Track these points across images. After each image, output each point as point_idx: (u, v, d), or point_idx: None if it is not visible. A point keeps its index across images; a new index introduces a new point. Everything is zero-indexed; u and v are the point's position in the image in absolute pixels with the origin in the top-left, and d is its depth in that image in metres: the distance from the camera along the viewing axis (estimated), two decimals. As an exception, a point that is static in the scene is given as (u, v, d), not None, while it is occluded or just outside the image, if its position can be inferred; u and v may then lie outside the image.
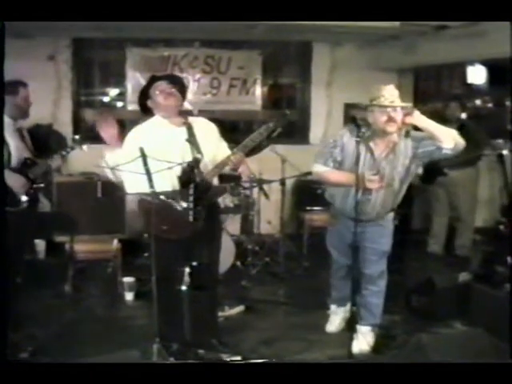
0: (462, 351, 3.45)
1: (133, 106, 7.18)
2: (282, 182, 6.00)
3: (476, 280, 4.99)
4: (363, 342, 4.27)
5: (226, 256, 5.44)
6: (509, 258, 5.00)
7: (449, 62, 6.97)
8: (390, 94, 3.86)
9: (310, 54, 7.72)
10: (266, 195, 5.97)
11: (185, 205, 3.60)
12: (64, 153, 4.58)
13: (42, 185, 4.60)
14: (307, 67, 7.78)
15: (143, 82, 6.78)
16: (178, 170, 3.71)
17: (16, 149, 4.43)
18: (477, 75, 7.59)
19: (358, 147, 3.78)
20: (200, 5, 3.05)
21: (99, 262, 5.68)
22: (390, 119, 3.85)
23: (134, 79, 7.29)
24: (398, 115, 3.85)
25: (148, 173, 3.46)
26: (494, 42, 5.18)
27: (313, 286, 5.51)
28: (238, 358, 4.02)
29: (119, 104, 7.65)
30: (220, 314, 4.60)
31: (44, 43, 6.91)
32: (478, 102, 8.29)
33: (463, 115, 6.43)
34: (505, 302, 4.19)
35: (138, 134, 3.86)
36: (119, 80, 7.49)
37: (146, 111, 3.97)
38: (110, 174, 3.82)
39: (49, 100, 6.99)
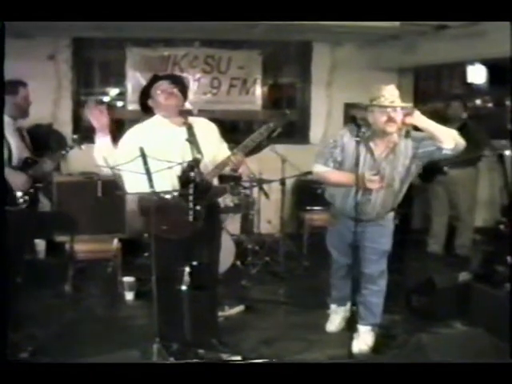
0: (462, 351, 3.45)
1: (133, 106, 7.19)
2: (282, 182, 6.00)
3: (476, 280, 4.99)
4: (363, 341, 4.27)
5: (226, 255, 5.44)
6: (509, 258, 5.01)
7: (449, 62, 6.97)
8: (390, 94, 3.86)
9: (310, 54, 7.72)
10: (266, 195, 5.97)
11: (185, 203, 3.61)
12: (63, 152, 4.58)
13: (40, 185, 4.60)
14: (307, 67, 7.78)
15: (143, 81, 6.79)
16: (177, 170, 3.71)
17: (16, 148, 4.44)
18: (477, 75, 7.58)
19: (358, 147, 3.78)
20: (200, 5, 3.05)
21: (99, 262, 5.68)
22: (390, 119, 3.85)
23: (134, 79, 7.29)
24: (398, 115, 3.85)
25: (148, 172, 3.45)
26: (494, 41, 5.18)
27: (313, 286, 5.51)
28: (238, 357, 4.02)
29: (119, 104, 7.64)
30: (220, 313, 4.60)
31: (44, 43, 6.91)
32: (478, 101, 8.29)
33: (465, 115, 6.42)
34: (505, 302, 4.19)
35: (138, 133, 3.86)
36: (119, 80, 7.50)
37: (146, 110, 3.97)
38: (100, 162, 3.76)
39: (49, 100, 7.00)
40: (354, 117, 3.88)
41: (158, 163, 3.49)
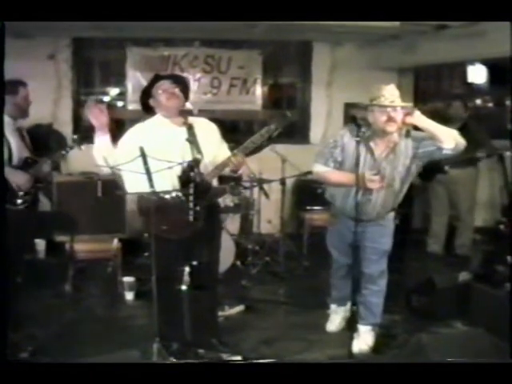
0: (462, 351, 3.45)
1: (133, 106, 7.19)
2: (282, 182, 6.00)
3: (476, 279, 5.00)
4: (363, 341, 4.27)
5: (226, 255, 5.44)
6: (509, 258, 5.02)
7: (449, 62, 6.97)
8: (390, 93, 3.86)
9: (310, 54, 7.72)
10: (266, 195, 5.97)
11: (185, 203, 3.62)
12: (63, 152, 4.59)
13: (40, 184, 4.61)
14: (307, 67, 7.78)
15: (143, 81, 6.82)
16: (178, 170, 3.71)
17: (16, 148, 4.44)
18: (477, 75, 7.60)
19: (359, 147, 3.78)
20: (200, 5, 3.05)
21: (99, 262, 5.68)
22: (390, 119, 3.85)
23: (135, 79, 7.29)
24: (398, 115, 3.85)
25: (148, 172, 3.46)
26: (494, 41, 5.18)
27: (313, 286, 5.52)
28: (238, 357, 4.03)
29: (119, 103, 7.64)
30: (220, 313, 4.60)
31: (44, 43, 6.91)
32: (478, 101, 8.29)
33: (465, 115, 6.41)
34: (505, 302, 4.19)
35: (138, 132, 3.86)
36: (119, 79, 7.50)
37: (147, 110, 3.96)
38: (100, 161, 3.75)
39: (49, 99, 7.00)
40: (354, 117, 3.88)
41: (158, 163, 3.49)
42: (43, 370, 2.65)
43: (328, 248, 4.53)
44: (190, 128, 3.81)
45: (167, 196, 3.66)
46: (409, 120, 3.87)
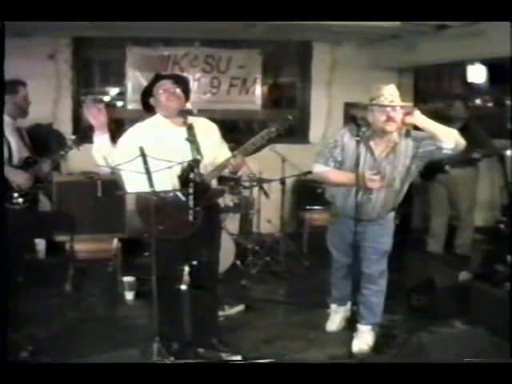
0: (462, 350, 3.45)
1: (133, 106, 7.20)
2: (282, 181, 6.01)
3: (476, 279, 5.01)
4: (363, 341, 4.27)
5: (226, 255, 5.45)
6: (509, 257, 5.02)
7: (449, 61, 6.97)
8: (389, 93, 3.86)
9: (310, 54, 7.72)
10: (266, 194, 5.97)
11: (184, 203, 3.62)
12: (62, 153, 4.59)
13: (40, 184, 4.61)
14: (307, 66, 7.78)
15: (143, 81, 6.83)
16: (177, 170, 3.71)
17: (16, 147, 4.44)
18: (477, 74, 7.60)
19: (359, 147, 3.78)
20: (200, 5, 3.05)
21: (99, 262, 5.67)
22: (390, 119, 3.85)
23: (134, 78, 7.29)
24: (398, 115, 3.85)
25: (148, 172, 3.46)
26: (494, 41, 5.18)
27: (313, 285, 5.52)
28: (238, 357, 4.03)
29: (119, 103, 7.64)
30: (220, 313, 4.60)
31: (44, 42, 6.91)
32: (478, 101, 8.29)
33: (466, 115, 6.41)
34: (505, 301, 4.20)
35: (138, 132, 3.86)
36: (119, 79, 7.49)
37: (148, 109, 3.96)
38: (99, 160, 3.75)
39: (49, 99, 6.99)
40: (354, 116, 3.88)
41: (157, 163, 3.49)
42: (43, 370, 2.65)
43: (328, 248, 4.53)
44: (190, 128, 3.81)
45: (167, 196, 3.66)
46: (409, 120, 3.87)
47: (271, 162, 5.95)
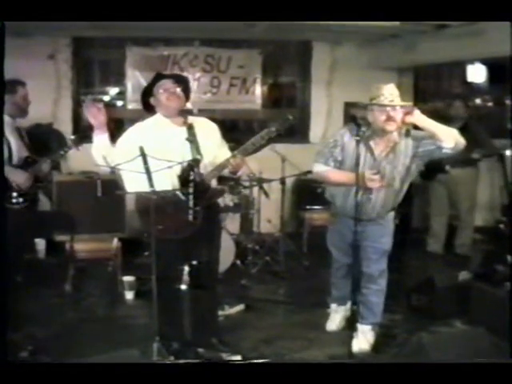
0: (462, 350, 3.45)
1: (132, 105, 7.20)
2: (282, 181, 6.01)
3: (476, 279, 5.00)
4: (363, 340, 4.27)
5: (226, 255, 5.45)
6: (509, 257, 5.01)
7: (449, 61, 6.97)
8: (389, 92, 3.86)
9: (310, 53, 7.72)
10: (266, 194, 5.97)
11: (184, 203, 3.62)
12: (61, 153, 4.59)
13: (40, 184, 4.61)
14: (307, 66, 7.78)
15: (143, 81, 6.83)
16: (177, 170, 3.71)
17: (16, 147, 4.44)
18: (477, 74, 7.60)
19: (358, 146, 3.78)
20: (200, 5, 3.05)
21: (99, 261, 5.68)
22: (389, 118, 3.85)
23: (134, 78, 7.29)
24: (398, 114, 3.85)
25: (148, 172, 3.46)
26: (494, 40, 5.18)
27: (313, 285, 5.52)
28: (238, 357, 4.03)
29: (119, 103, 7.64)
30: (220, 312, 4.60)
31: (44, 42, 6.90)
32: (478, 100, 8.29)
33: (466, 114, 6.41)
34: (505, 301, 4.19)
35: (138, 131, 3.86)
36: (119, 79, 7.49)
37: (148, 109, 3.96)
38: (99, 160, 3.76)
39: (49, 99, 6.99)
40: (354, 116, 3.88)
41: (157, 162, 3.49)
42: (43, 370, 2.65)
43: (328, 247, 4.53)
44: (190, 128, 3.81)
45: (167, 195, 3.66)
46: (408, 119, 3.87)
47: (271, 162, 5.95)
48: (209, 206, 3.84)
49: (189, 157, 3.73)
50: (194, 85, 7.31)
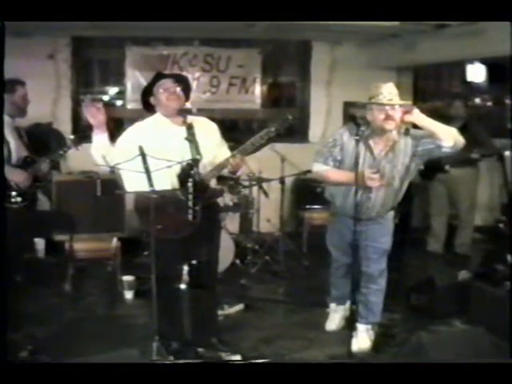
0: (461, 349, 3.45)
1: (132, 105, 7.21)
2: (282, 181, 6.01)
3: (476, 278, 5.01)
4: (363, 340, 4.28)
5: (226, 254, 5.45)
6: (509, 257, 5.02)
7: (448, 61, 6.97)
8: (388, 91, 3.86)
9: (310, 53, 7.72)
10: (266, 193, 5.97)
11: (184, 203, 3.62)
12: (61, 153, 4.59)
13: (39, 183, 4.61)
14: (307, 66, 7.78)
15: (143, 80, 6.83)
16: (177, 169, 3.71)
17: (15, 147, 4.44)
18: (477, 74, 7.59)
19: (358, 146, 3.77)
20: (200, 5, 3.05)
21: (99, 261, 5.68)
22: (388, 117, 3.85)
23: (134, 78, 7.29)
24: (397, 113, 3.85)
25: (147, 171, 3.46)
26: (494, 40, 5.17)
27: (312, 285, 5.52)
28: (238, 356, 4.03)
29: (119, 103, 7.63)
30: (219, 312, 4.60)
31: (43, 42, 6.90)
32: (477, 100, 8.29)
33: (466, 114, 6.41)
34: (505, 301, 4.19)
35: (137, 131, 3.86)
36: (119, 79, 7.49)
37: (148, 108, 3.96)
38: (98, 159, 3.75)
39: (48, 99, 6.98)
40: (354, 115, 3.88)
41: (157, 162, 3.49)
42: (43, 370, 2.65)
43: (328, 247, 4.53)
44: (190, 127, 3.80)
45: (166, 195, 3.66)
46: (408, 118, 3.87)
47: (271, 162, 5.95)
48: (208, 206, 3.83)
49: (188, 156, 3.73)
50: (193, 84, 7.30)
